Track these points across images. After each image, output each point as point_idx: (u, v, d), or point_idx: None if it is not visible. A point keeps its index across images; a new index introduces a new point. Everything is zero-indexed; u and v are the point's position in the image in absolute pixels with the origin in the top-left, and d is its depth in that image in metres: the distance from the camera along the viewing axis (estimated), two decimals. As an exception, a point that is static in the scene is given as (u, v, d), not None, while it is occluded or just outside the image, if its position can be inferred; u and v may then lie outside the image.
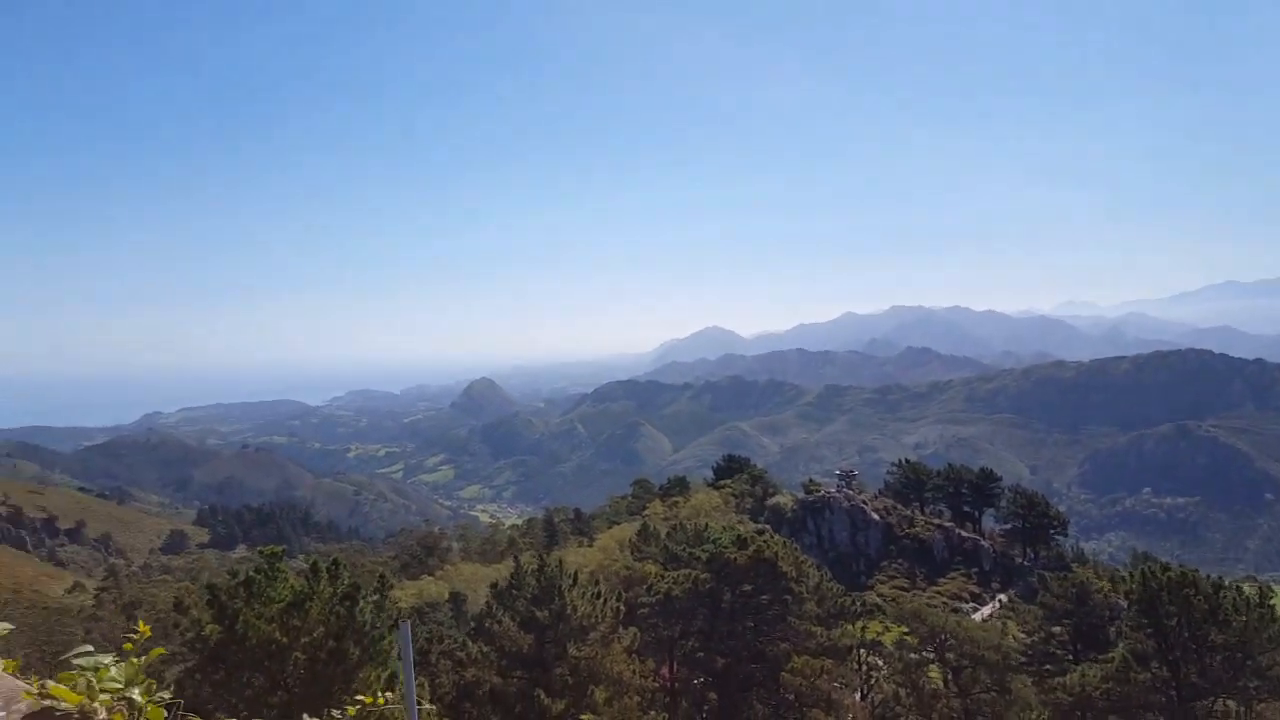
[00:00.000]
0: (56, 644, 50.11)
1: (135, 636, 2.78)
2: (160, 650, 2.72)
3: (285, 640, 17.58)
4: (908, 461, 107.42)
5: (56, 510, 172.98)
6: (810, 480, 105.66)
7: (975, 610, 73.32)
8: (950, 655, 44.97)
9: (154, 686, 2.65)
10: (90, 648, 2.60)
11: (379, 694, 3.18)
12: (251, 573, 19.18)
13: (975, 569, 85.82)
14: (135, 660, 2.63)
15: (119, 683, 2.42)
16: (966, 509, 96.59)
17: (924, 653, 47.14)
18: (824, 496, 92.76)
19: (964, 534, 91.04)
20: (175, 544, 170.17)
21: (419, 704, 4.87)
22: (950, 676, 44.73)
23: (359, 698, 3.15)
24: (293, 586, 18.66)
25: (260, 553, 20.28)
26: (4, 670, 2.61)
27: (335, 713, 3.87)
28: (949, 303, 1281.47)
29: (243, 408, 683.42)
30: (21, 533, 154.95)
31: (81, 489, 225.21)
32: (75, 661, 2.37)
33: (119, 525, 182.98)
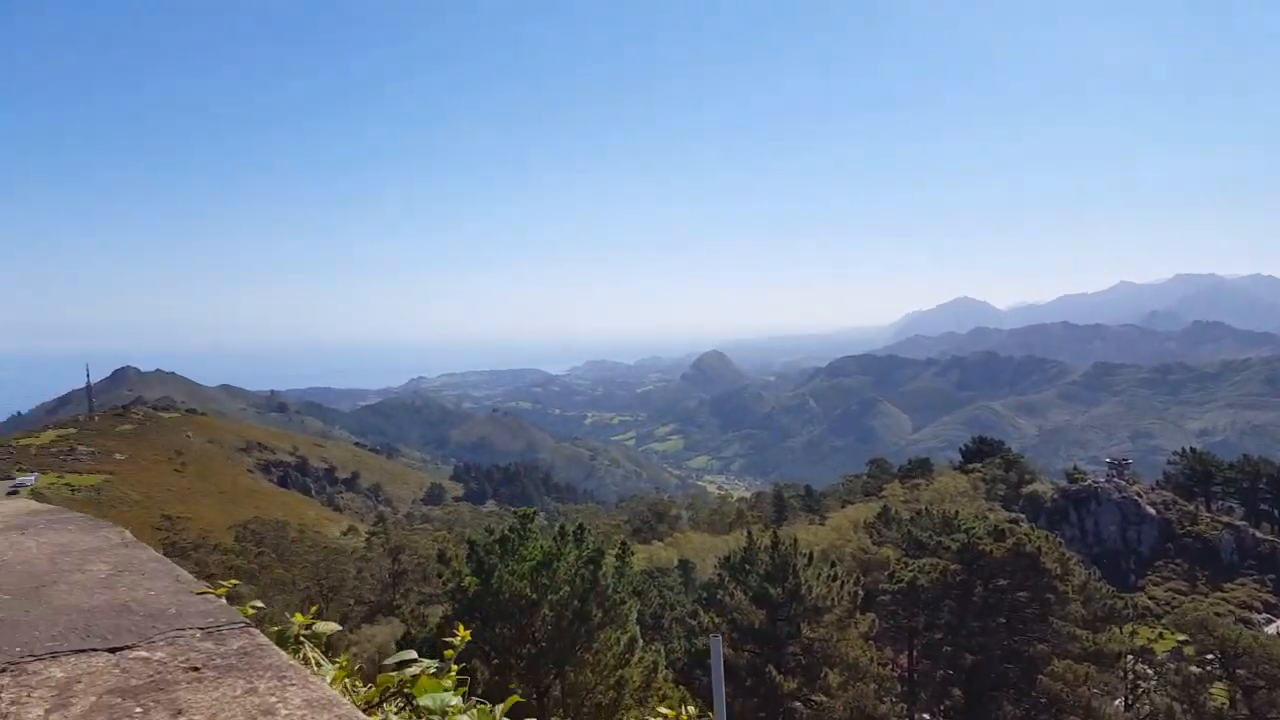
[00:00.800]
0: (333, 580, 57.14)
1: (455, 641, 2.65)
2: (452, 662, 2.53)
3: (534, 597, 18.88)
4: (1192, 450, 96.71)
5: (336, 461, 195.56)
6: (1074, 467, 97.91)
7: (1269, 622, 65.19)
8: (1242, 672, 40.33)
9: None
10: (413, 653, 2.41)
11: (683, 708, 3.17)
12: (506, 531, 20.72)
13: (1272, 575, 76.12)
14: (487, 708, 2.37)
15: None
16: (1264, 507, 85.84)
17: (1208, 667, 42.71)
18: (1090, 486, 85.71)
19: (1260, 535, 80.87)
20: (434, 496, 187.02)
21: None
22: (1240, 695, 40.16)
23: (661, 710, 3.16)
24: (542, 547, 19.95)
25: (515, 513, 21.84)
26: (334, 678, 2.41)
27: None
28: (1247, 270, 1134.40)
29: (494, 374, 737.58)
30: (307, 480, 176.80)
31: (357, 443, 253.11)
32: (421, 703, 2.23)
33: (387, 477, 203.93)
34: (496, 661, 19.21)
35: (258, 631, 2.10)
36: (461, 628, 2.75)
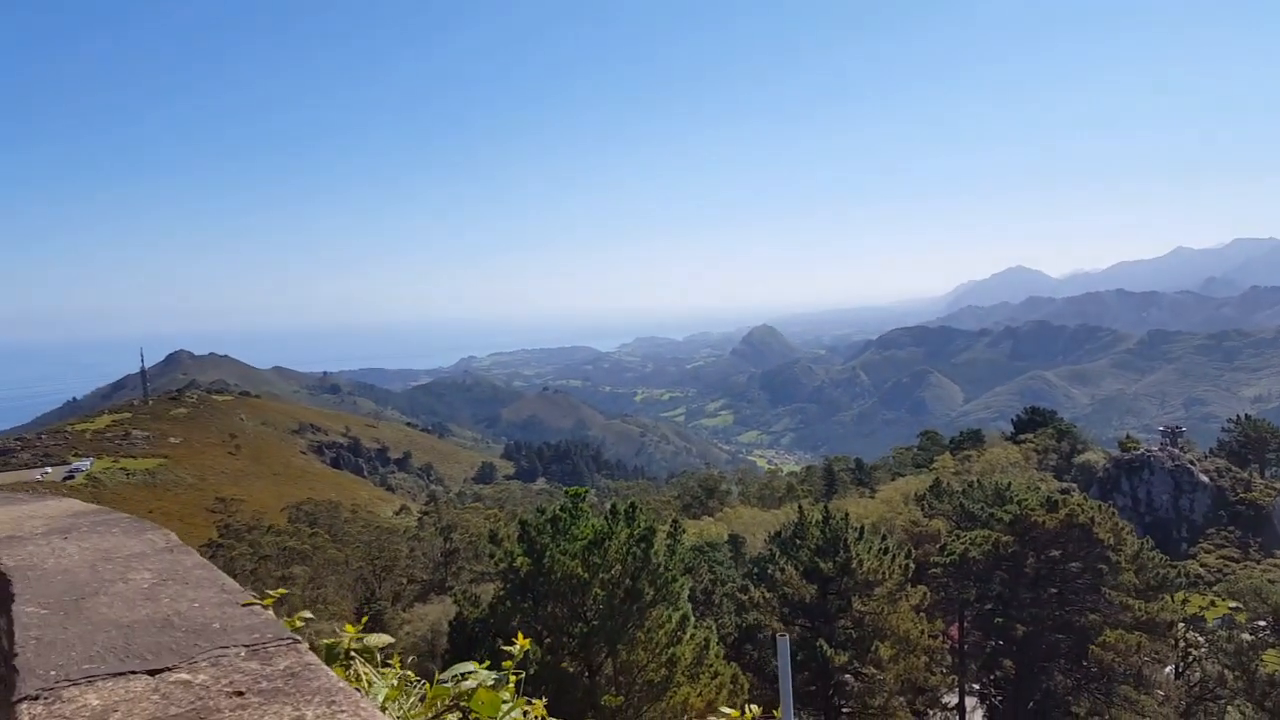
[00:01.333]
0: (385, 559, 57.98)
1: (513, 649, 2.54)
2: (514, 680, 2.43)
3: (586, 576, 18.88)
4: (1246, 417, 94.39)
5: (388, 441, 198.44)
6: (1127, 436, 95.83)
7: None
8: (1296, 640, 39.33)
9: None
10: (472, 666, 2.31)
11: (745, 708, 3.02)
12: (558, 511, 20.74)
13: (1329, 542, 74.07)
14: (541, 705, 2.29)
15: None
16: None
17: (1260, 634, 41.76)
18: (1143, 455, 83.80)
19: (1317, 502, 78.60)
20: (485, 475, 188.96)
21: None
22: (1294, 664, 39.17)
23: (725, 710, 3.01)
24: (593, 526, 19.94)
25: (566, 492, 21.86)
26: (387, 698, 2.29)
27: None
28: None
29: (544, 353, 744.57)
30: (359, 460, 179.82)
31: (408, 424, 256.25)
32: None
33: (439, 456, 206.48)
34: (549, 640, 19.30)
35: (306, 648, 1.97)
36: (521, 636, 2.61)
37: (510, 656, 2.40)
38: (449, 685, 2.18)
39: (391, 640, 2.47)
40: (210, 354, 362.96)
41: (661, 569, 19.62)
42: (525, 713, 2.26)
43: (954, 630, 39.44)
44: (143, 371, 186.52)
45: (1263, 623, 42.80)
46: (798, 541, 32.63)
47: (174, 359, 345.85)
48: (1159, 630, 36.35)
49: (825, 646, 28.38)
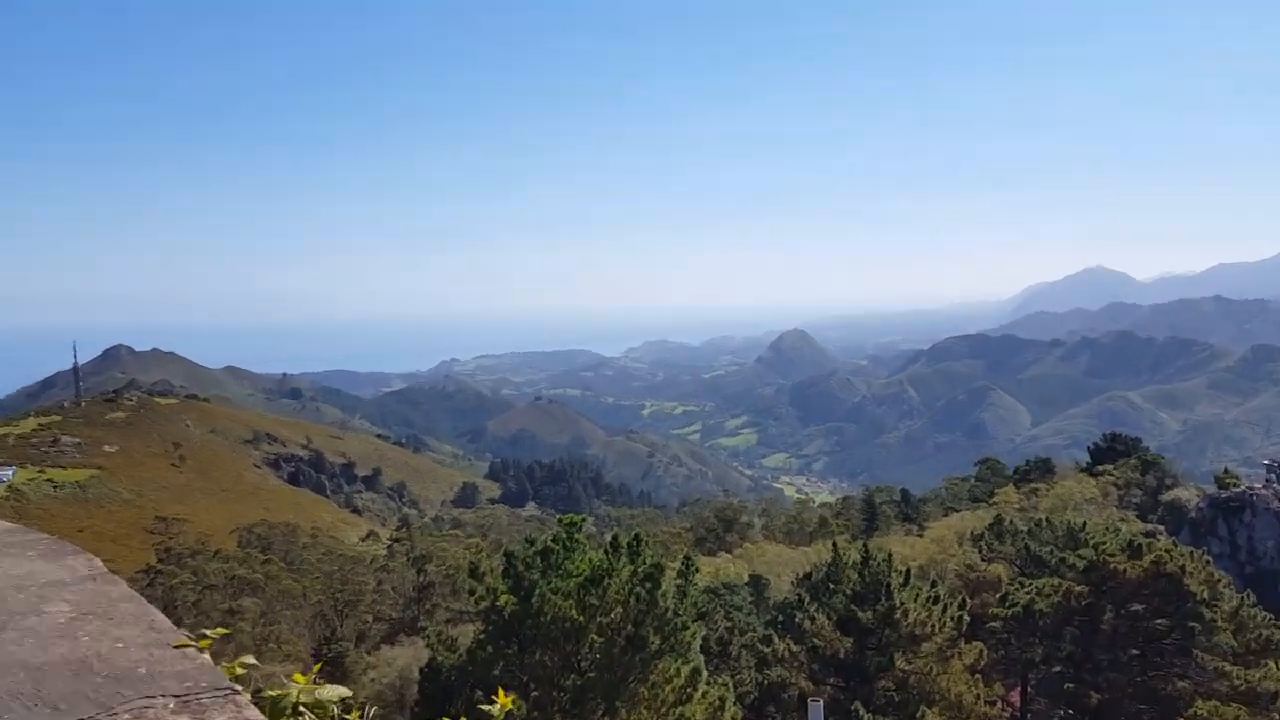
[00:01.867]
0: (349, 593, 58.29)
1: (493, 709, 2.47)
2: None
3: (581, 619, 18.87)
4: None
5: (355, 455, 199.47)
6: (1225, 470, 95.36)
7: None
8: None
9: None
10: None
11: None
12: (550, 541, 20.74)
13: None
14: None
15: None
16: None
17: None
18: (1244, 493, 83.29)
19: None
20: (467, 497, 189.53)
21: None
22: None
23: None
24: (591, 560, 19.90)
25: (559, 519, 21.88)
26: None
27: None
28: None
29: (537, 357, 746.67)
30: (322, 477, 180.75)
31: (379, 435, 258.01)
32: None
33: (413, 474, 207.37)
34: (536, 694, 19.29)
35: (246, 700, 1.96)
36: (502, 691, 2.58)
37: (490, 717, 2.38)
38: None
39: (348, 693, 2.42)
40: (153, 350, 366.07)
41: (669, 614, 19.59)
42: (505, 781, 2.25)
43: (1015, 695, 39.31)
44: (75, 369, 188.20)
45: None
46: (831, 585, 32.59)
47: (111, 354, 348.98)
48: (1262, 702, 36.04)
49: (862, 710, 28.29)
